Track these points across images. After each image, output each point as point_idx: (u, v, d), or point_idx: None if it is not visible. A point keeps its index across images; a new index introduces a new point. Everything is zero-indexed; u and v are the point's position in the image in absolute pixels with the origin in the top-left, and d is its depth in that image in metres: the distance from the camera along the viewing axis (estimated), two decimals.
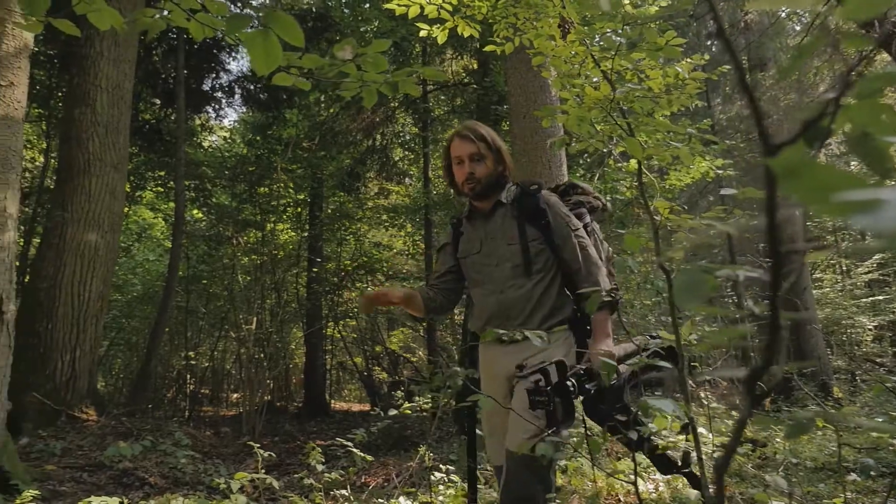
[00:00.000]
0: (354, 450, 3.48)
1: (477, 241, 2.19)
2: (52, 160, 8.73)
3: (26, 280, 6.93)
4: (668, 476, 3.05)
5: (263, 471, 3.34)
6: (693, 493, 3.00)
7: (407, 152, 12.52)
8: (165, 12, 1.38)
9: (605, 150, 2.20)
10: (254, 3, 10.15)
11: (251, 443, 3.77)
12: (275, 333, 9.63)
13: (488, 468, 3.37)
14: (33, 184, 9.54)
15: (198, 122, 11.98)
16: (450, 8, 4.09)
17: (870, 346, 10.97)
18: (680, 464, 1.81)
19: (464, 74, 11.24)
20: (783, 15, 10.06)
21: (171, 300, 8.27)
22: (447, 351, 10.37)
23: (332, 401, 13.05)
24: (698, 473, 1.39)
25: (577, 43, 2.35)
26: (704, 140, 2.27)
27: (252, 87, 11.20)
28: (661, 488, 3.32)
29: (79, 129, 6.36)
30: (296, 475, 4.48)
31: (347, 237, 11.43)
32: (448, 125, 11.06)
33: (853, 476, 3.52)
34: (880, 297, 10.87)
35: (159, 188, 11.22)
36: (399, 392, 6.60)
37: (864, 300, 10.83)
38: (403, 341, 12.41)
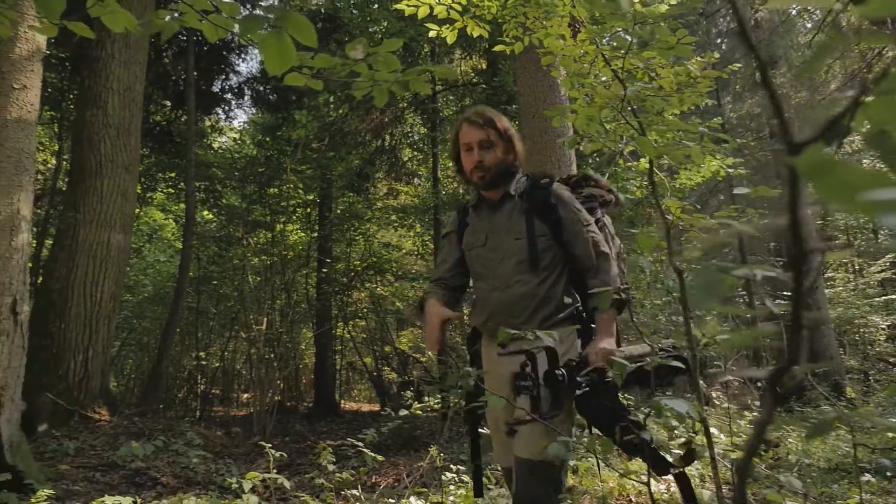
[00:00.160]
0: (365, 450, 3.49)
1: (482, 233, 2.10)
2: (65, 162, 8.80)
3: (39, 281, 7.00)
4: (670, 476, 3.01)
5: (274, 470, 3.35)
6: (706, 494, 2.98)
7: (416, 153, 12.52)
8: (178, 14, 1.39)
9: (615, 150, 2.19)
10: (263, 3, 10.18)
11: (262, 443, 3.79)
12: (285, 334, 9.67)
13: (498, 468, 3.37)
14: (46, 185, 9.61)
15: (208, 123, 12.06)
16: (459, 8, 4.09)
17: (883, 346, 10.86)
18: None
19: (473, 74, 11.22)
20: (793, 13, 9.99)
21: (181, 301, 8.32)
22: (456, 351, 10.36)
23: (342, 401, 13.08)
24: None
25: (587, 42, 2.34)
26: (716, 139, 2.25)
27: (261, 89, 11.26)
28: (672, 489, 3.30)
29: (90, 131, 6.41)
30: (307, 475, 4.50)
31: (357, 237, 11.44)
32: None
33: (868, 476, 3.50)
34: (893, 297, 10.79)
35: (170, 189, 11.30)
36: (409, 392, 6.62)
37: (877, 299, 10.75)
38: (412, 341, 12.41)
